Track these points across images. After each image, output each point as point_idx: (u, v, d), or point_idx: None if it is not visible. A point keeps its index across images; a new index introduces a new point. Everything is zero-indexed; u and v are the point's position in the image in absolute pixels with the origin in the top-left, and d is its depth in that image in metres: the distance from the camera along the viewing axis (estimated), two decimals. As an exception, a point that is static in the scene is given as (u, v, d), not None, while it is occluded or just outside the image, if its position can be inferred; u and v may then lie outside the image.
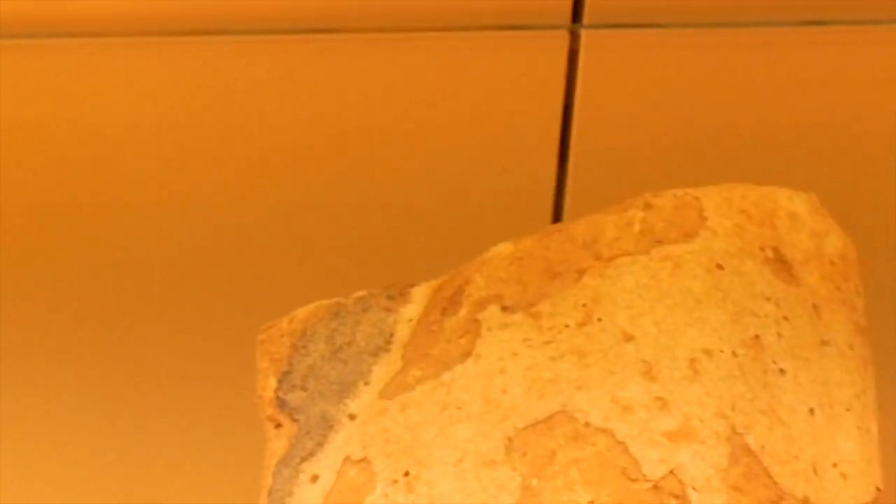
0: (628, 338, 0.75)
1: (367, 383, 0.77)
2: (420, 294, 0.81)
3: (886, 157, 1.15)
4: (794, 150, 1.16)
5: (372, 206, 1.17)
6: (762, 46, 1.13)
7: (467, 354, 0.75)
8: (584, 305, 0.76)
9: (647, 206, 0.81)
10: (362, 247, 1.18)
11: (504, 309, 0.77)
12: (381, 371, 0.77)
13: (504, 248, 0.81)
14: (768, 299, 0.78)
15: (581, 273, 0.78)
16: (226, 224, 1.15)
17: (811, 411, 0.76)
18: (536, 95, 1.17)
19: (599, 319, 0.75)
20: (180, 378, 1.17)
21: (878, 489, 0.78)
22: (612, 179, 1.17)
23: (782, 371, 0.76)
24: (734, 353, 0.75)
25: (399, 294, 0.81)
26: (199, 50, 1.14)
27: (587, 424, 0.71)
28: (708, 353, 0.75)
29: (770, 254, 0.80)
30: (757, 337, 0.76)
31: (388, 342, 0.79)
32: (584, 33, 1.14)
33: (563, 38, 1.15)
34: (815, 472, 0.74)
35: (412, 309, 0.80)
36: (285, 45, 1.13)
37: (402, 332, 0.79)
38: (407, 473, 0.71)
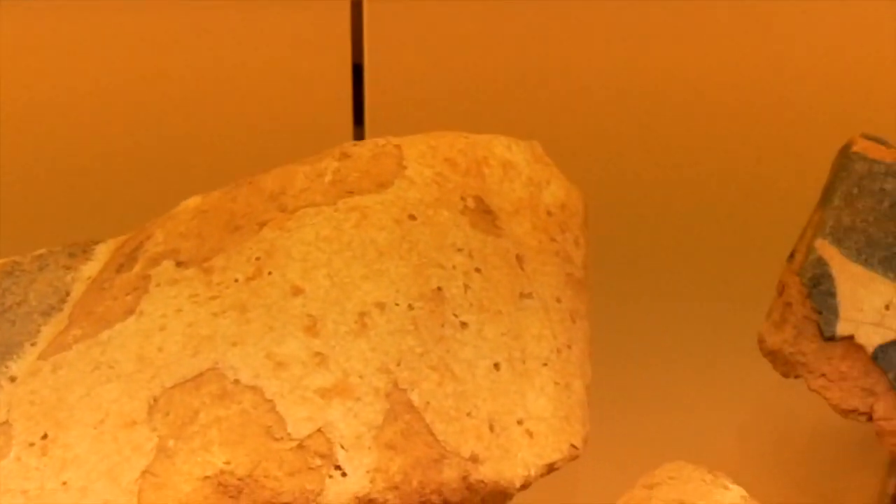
0: (297, 292, 0.71)
1: (33, 344, 0.73)
2: (104, 251, 0.78)
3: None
4: (591, 98, 1.13)
5: (158, 170, 1.13)
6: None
7: (130, 312, 0.71)
8: (258, 259, 0.72)
9: (344, 156, 0.77)
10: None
11: (178, 264, 0.73)
12: (49, 331, 0.74)
13: (192, 201, 0.77)
14: (460, 250, 0.74)
15: (262, 225, 0.74)
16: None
17: (496, 366, 0.72)
18: (324, 56, 1.13)
19: (270, 273, 0.72)
20: None
21: (574, 447, 0.74)
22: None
23: (464, 324, 0.72)
24: (410, 307, 0.71)
25: (81, 252, 0.77)
26: None
27: (236, 382, 0.68)
28: (381, 306, 0.71)
29: (471, 203, 0.77)
30: (439, 289, 0.72)
31: (63, 301, 0.75)
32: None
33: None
34: (490, 429, 0.70)
35: (93, 266, 0.77)
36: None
37: (78, 291, 0.75)
38: (45, 436, 0.67)
